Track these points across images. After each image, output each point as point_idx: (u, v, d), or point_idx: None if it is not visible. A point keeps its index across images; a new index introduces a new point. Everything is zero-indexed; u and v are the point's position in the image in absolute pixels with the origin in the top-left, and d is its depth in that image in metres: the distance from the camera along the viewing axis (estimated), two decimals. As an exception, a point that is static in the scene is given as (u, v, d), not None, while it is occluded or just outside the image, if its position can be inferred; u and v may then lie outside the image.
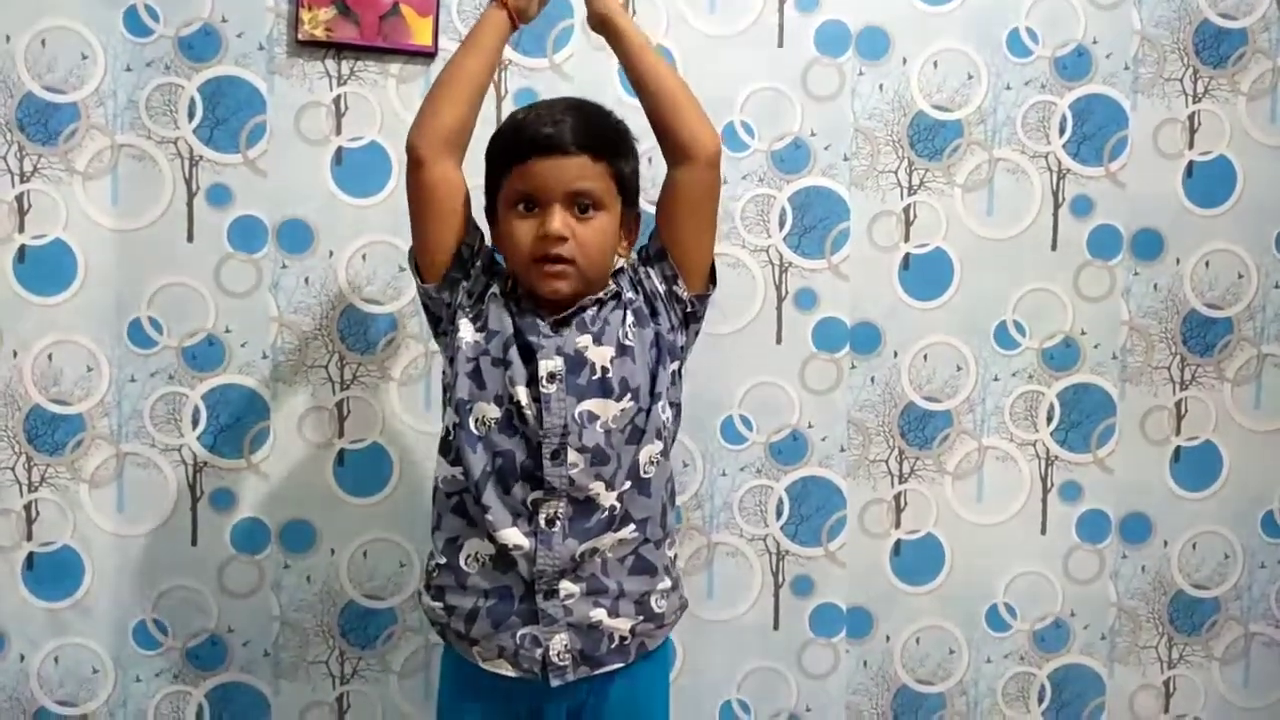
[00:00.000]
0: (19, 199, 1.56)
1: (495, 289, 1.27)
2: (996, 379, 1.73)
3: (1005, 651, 1.76)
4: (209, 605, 1.62)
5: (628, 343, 1.25)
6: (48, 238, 1.57)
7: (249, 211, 1.59)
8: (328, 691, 1.65)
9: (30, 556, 1.59)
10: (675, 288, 1.30)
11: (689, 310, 1.31)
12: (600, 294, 1.27)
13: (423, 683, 1.65)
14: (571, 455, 1.21)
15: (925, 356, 1.72)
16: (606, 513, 1.23)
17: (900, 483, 1.73)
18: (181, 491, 1.61)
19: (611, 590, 1.24)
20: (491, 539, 1.22)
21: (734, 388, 1.67)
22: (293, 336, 1.61)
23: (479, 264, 1.28)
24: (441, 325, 1.30)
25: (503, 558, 1.22)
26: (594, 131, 1.25)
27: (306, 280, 1.61)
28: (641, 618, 1.26)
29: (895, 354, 1.71)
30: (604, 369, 1.23)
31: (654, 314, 1.29)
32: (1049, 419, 1.75)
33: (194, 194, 1.59)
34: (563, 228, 1.20)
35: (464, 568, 1.24)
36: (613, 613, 1.23)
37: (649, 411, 1.25)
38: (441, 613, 1.26)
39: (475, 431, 1.22)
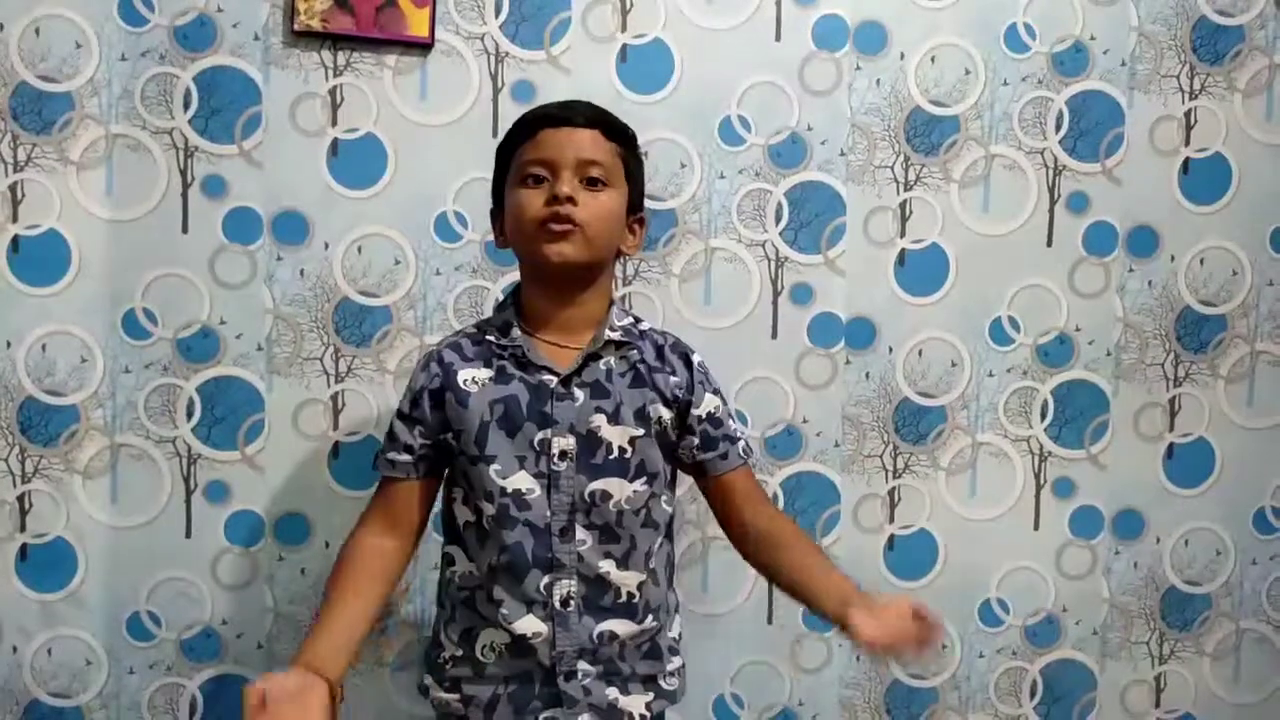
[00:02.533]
0: (13, 189, 1.55)
1: (464, 370, 1.22)
2: (991, 375, 1.74)
3: (997, 646, 1.77)
4: (203, 597, 1.62)
5: (658, 428, 1.24)
6: (41, 228, 1.56)
7: (244, 203, 1.59)
8: (322, 684, 1.65)
9: (23, 548, 1.58)
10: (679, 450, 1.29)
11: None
12: (613, 327, 1.24)
13: (416, 676, 1.65)
14: (580, 533, 1.20)
15: (920, 352, 1.72)
16: (625, 600, 1.22)
17: (894, 478, 1.73)
18: (175, 483, 1.60)
19: (625, 673, 1.24)
20: (506, 631, 1.20)
21: (729, 382, 1.67)
22: (288, 329, 1.61)
23: (424, 437, 1.24)
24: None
25: (519, 645, 1.21)
26: (604, 115, 1.24)
27: (302, 272, 1.61)
28: (652, 694, 1.26)
29: (890, 349, 1.72)
30: (622, 449, 1.21)
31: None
32: (1043, 415, 1.75)
33: (189, 185, 1.58)
34: (572, 191, 1.18)
35: (480, 658, 1.22)
36: (624, 691, 1.24)
37: (659, 498, 1.25)
38: (458, 704, 1.24)
39: (484, 526, 1.21)
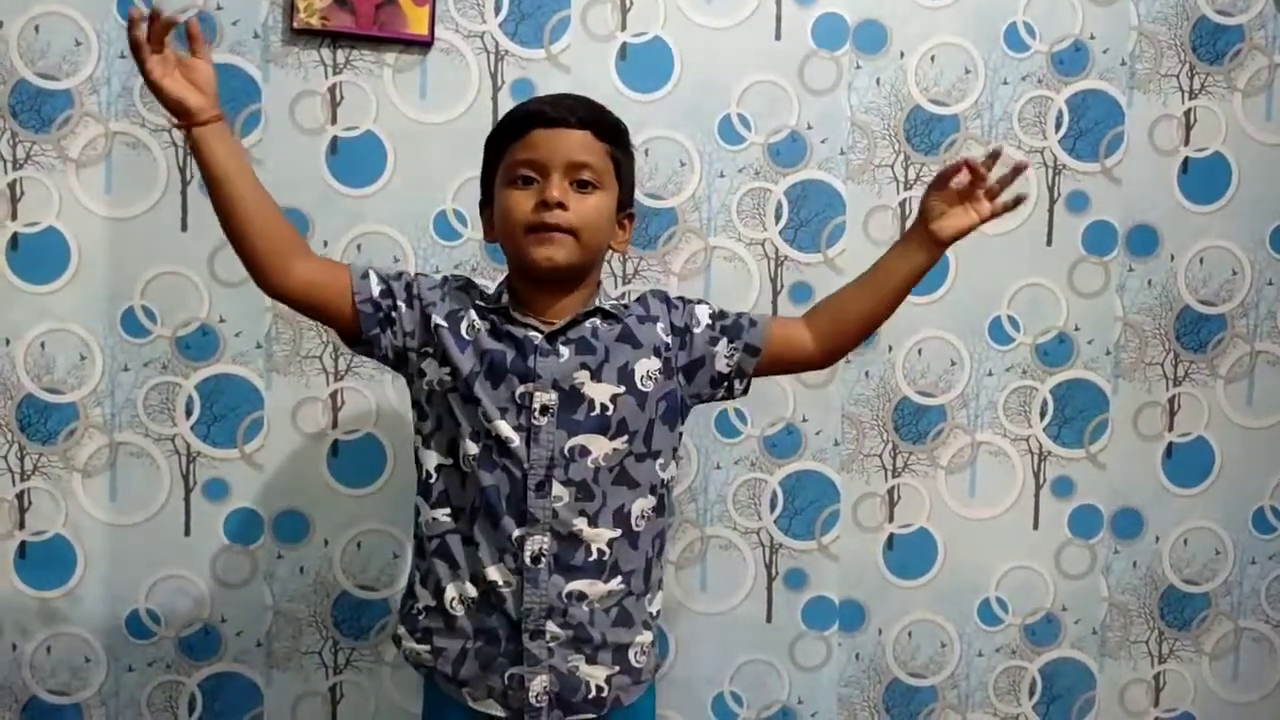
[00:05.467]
0: (12, 186, 1.55)
1: (467, 317, 1.23)
2: (990, 374, 1.74)
3: (997, 645, 1.77)
4: (202, 595, 1.62)
5: (643, 387, 1.23)
6: (41, 225, 1.56)
7: (243, 201, 1.58)
8: (320, 682, 1.65)
9: (23, 545, 1.58)
10: (736, 381, 1.28)
11: (719, 395, 1.30)
12: (601, 304, 1.24)
13: (414, 674, 1.65)
14: (556, 488, 1.20)
15: (919, 351, 1.72)
16: (595, 557, 1.21)
17: (893, 477, 1.73)
18: (175, 481, 1.60)
19: (595, 640, 1.22)
20: (475, 579, 1.20)
21: (729, 381, 1.67)
22: (287, 326, 1.61)
23: (400, 309, 1.23)
24: (409, 371, 1.26)
25: (486, 598, 1.20)
26: (596, 115, 1.24)
27: (301, 270, 1.60)
28: (618, 668, 1.24)
29: (889, 348, 1.72)
30: (604, 406, 1.21)
31: (689, 377, 1.26)
32: (1042, 414, 1.75)
33: (188, 182, 1.58)
34: (561, 195, 1.18)
35: (450, 610, 1.22)
36: (590, 660, 1.22)
37: (642, 460, 1.24)
38: (428, 656, 1.24)
39: (462, 468, 1.21)
